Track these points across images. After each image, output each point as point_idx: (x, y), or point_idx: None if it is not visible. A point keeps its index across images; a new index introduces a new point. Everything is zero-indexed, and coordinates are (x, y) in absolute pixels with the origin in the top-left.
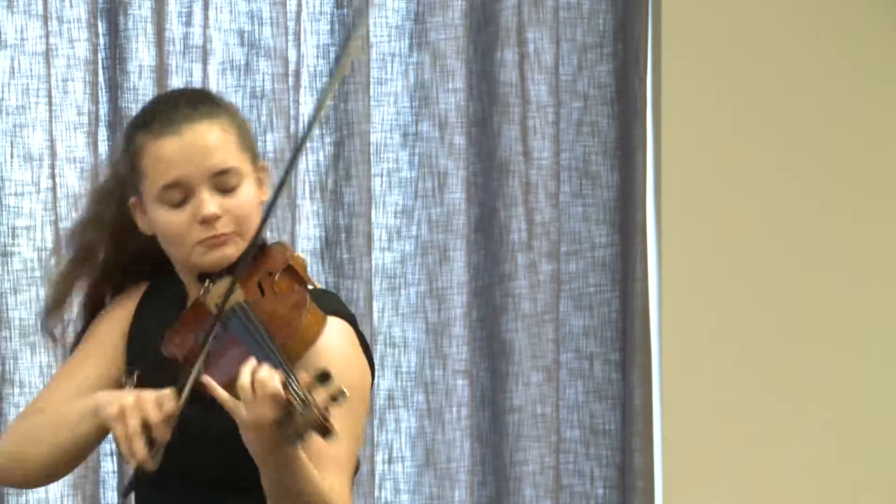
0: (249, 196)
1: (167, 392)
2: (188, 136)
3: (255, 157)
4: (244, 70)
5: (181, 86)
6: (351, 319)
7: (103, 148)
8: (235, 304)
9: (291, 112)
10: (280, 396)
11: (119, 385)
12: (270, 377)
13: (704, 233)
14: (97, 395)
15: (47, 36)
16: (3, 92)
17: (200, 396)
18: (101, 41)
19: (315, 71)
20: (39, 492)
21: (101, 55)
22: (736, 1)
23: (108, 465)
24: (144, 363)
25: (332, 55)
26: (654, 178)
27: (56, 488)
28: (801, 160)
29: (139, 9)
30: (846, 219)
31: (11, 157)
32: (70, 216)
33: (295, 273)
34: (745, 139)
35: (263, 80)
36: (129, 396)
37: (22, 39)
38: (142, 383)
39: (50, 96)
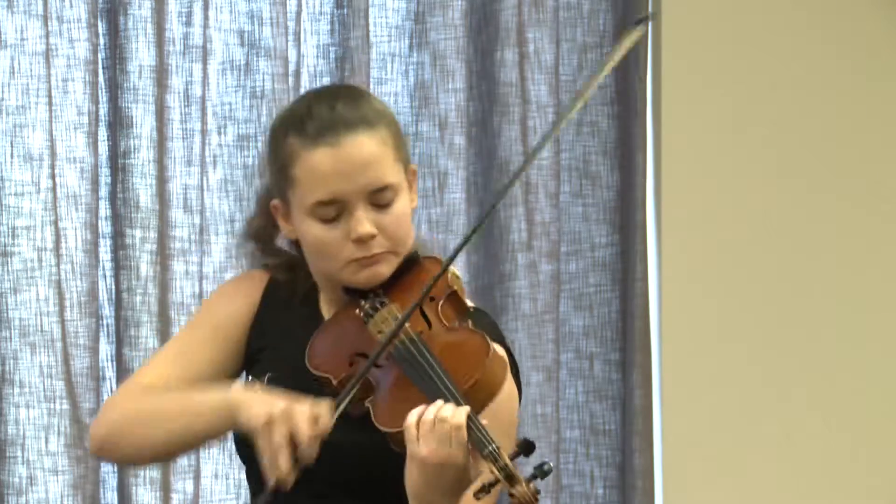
0: (404, 210)
1: (323, 406)
2: (346, 150)
3: (407, 162)
4: (244, 70)
5: (181, 85)
6: (504, 343)
7: (103, 148)
8: (406, 339)
9: None
10: (464, 436)
11: (230, 377)
12: (454, 415)
13: (704, 233)
14: (233, 391)
15: (47, 36)
16: (3, 92)
17: (349, 414)
18: (101, 41)
19: (315, 71)
20: (39, 492)
21: (101, 55)
22: (736, 1)
23: (109, 465)
24: (275, 368)
25: (332, 55)
26: (654, 178)
27: (56, 488)
28: (801, 160)
29: (139, 9)
30: (846, 218)
31: (11, 157)
32: (70, 216)
33: (458, 299)
34: (744, 139)
35: (263, 80)
36: (278, 402)
37: (22, 39)
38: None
39: (50, 96)
